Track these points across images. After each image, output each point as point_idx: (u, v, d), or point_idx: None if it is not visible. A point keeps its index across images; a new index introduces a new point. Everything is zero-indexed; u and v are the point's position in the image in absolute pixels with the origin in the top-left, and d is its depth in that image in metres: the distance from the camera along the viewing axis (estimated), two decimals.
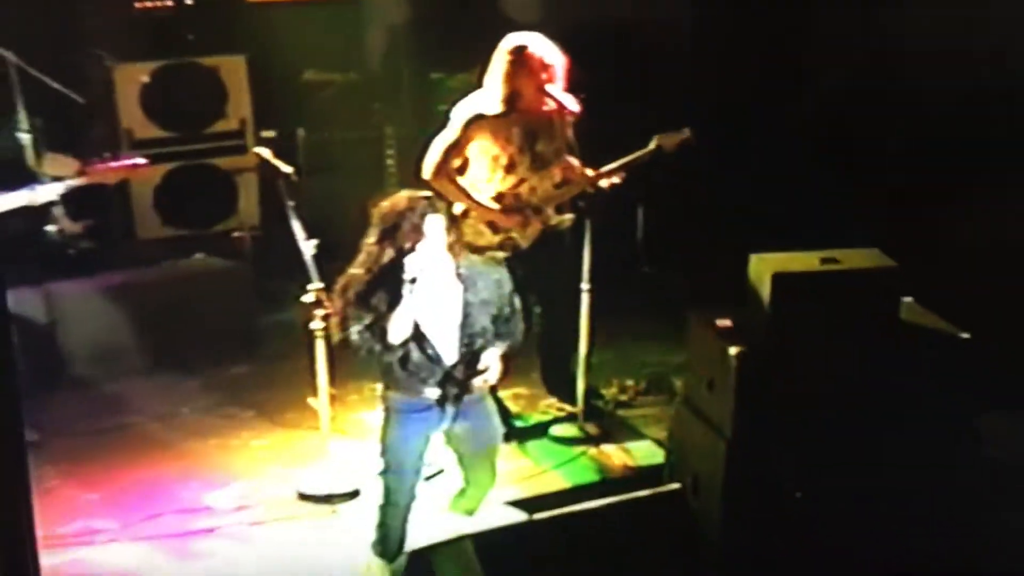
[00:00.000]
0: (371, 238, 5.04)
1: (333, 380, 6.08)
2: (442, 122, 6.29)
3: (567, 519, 5.15)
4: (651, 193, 7.31)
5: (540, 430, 6.71)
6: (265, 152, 6.41)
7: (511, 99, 6.18)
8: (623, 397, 7.10)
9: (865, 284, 5.33)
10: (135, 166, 6.46)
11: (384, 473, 5.16)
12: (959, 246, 7.51)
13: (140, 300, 7.53)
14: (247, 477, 6.28)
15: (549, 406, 6.92)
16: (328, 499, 6.01)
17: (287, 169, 6.17)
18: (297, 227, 5.94)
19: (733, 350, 5.17)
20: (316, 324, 5.90)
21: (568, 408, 6.76)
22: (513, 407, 6.81)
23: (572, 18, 8.44)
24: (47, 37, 7.93)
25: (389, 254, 4.97)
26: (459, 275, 5.07)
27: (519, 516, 5.58)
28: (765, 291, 5.24)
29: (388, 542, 5.24)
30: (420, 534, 5.27)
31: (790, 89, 8.64)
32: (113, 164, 6.36)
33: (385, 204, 5.07)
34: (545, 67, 6.16)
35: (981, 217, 7.76)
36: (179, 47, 8.41)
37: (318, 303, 5.84)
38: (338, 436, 6.23)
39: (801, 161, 8.22)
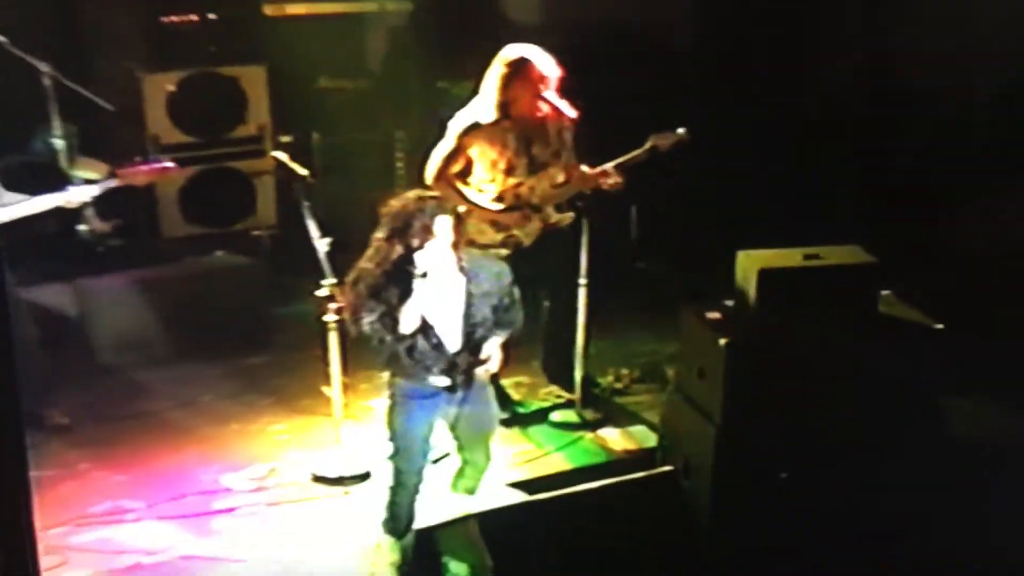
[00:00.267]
0: (382, 234, 5.03)
1: (345, 369, 6.06)
2: (442, 130, 6.28)
3: (566, 499, 5.14)
4: (646, 194, 7.32)
5: (541, 416, 6.68)
6: (282, 156, 6.39)
7: (505, 107, 6.17)
8: (619, 385, 7.07)
9: (846, 279, 5.34)
10: (162, 169, 6.45)
11: (393, 456, 5.17)
12: (934, 244, 7.51)
13: (164, 294, 7.50)
14: (265, 460, 6.25)
15: (549, 393, 6.89)
16: (341, 481, 5.98)
17: (303, 171, 6.16)
18: (312, 226, 5.91)
19: (722, 341, 5.15)
20: (329, 317, 5.88)
21: (567, 395, 6.73)
22: (515, 394, 6.80)
23: (570, 26, 8.42)
24: (80, 49, 7.93)
25: (399, 250, 4.96)
26: (461, 268, 5.05)
27: (521, 496, 5.58)
28: (752, 286, 5.25)
29: (397, 521, 5.24)
30: (428, 513, 5.28)
31: (779, 95, 8.60)
32: (141, 167, 6.36)
33: (395, 203, 5.05)
34: (539, 77, 6.14)
35: (954, 217, 7.75)
36: (203, 58, 8.40)
37: (331, 297, 5.82)
38: (350, 422, 6.20)
39: (786, 164, 8.20)
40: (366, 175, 8.79)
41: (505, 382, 6.53)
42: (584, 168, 6.32)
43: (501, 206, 6.30)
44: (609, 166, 6.33)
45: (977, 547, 5.09)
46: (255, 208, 8.60)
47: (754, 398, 5.12)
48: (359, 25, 9.23)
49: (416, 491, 5.22)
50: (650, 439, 6.23)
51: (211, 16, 8.45)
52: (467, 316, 5.09)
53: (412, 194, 5.13)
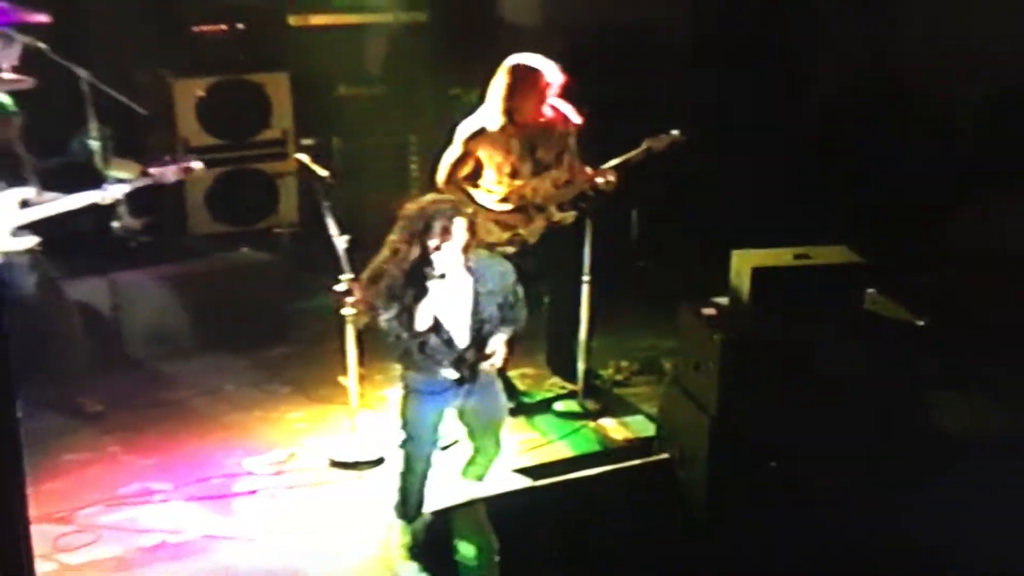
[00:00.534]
0: (398, 236, 5.00)
1: (362, 361, 6.04)
2: (451, 136, 6.26)
3: (568, 485, 5.11)
4: (645, 196, 7.29)
5: (545, 406, 6.66)
6: (304, 158, 6.36)
7: (510, 114, 6.13)
8: (619, 377, 7.04)
9: (834, 277, 5.30)
10: (190, 169, 6.44)
11: (404, 444, 5.15)
12: (919, 244, 7.48)
13: (191, 289, 7.47)
14: (284, 446, 6.23)
15: (553, 384, 6.86)
16: (356, 466, 5.97)
17: (323, 173, 6.12)
18: (331, 224, 5.89)
19: (717, 336, 5.12)
20: (347, 311, 5.86)
21: (570, 386, 6.70)
22: (521, 385, 6.77)
23: (573, 32, 8.39)
24: (116, 56, 7.92)
25: (416, 252, 4.94)
26: (468, 268, 5.03)
27: (526, 482, 5.56)
28: (746, 283, 5.22)
29: (408, 505, 5.23)
30: (437, 497, 5.25)
31: (774, 101, 8.57)
32: (171, 167, 6.34)
33: (413, 207, 5.03)
34: (542, 85, 6.11)
35: (937, 219, 7.74)
36: (230, 65, 8.40)
37: (349, 292, 5.79)
38: (365, 411, 6.18)
39: (779, 168, 8.17)
40: (382, 177, 8.78)
41: (511, 374, 6.51)
42: (585, 169, 6.30)
43: (507, 207, 6.28)
44: (607, 166, 6.32)
45: (961, 537, 5.06)
46: (278, 207, 8.60)
47: (747, 391, 5.09)
48: (377, 35, 9.20)
49: (425, 476, 5.21)
50: (648, 429, 6.19)
51: (239, 26, 8.45)
52: (475, 314, 5.08)
53: (428, 198, 5.13)
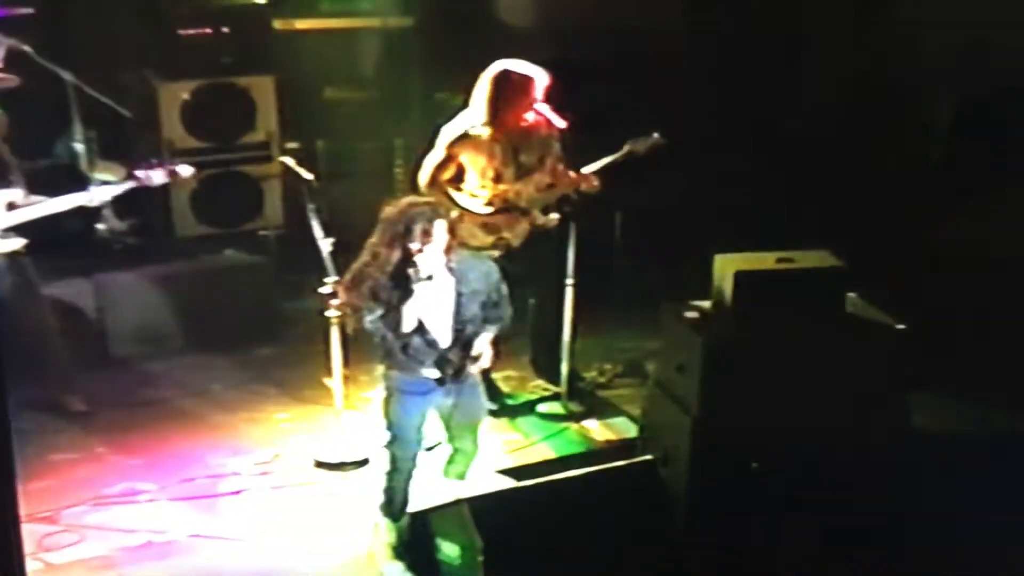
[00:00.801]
0: (378, 239, 5.01)
1: (346, 362, 6.04)
2: (435, 139, 6.26)
3: (552, 486, 5.11)
4: (628, 199, 7.30)
5: (529, 407, 6.67)
6: (289, 161, 6.38)
7: (493, 119, 6.14)
8: (602, 379, 7.06)
9: (816, 281, 5.32)
10: (175, 172, 6.43)
11: (388, 444, 5.17)
12: (899, 249, 7.51)
13: (177, 290, 7.46)
14: (270, 446, 6.24)
15: (537, 386, 6.88)
16: (341, 466, 5.98)
17: (308, 176, 6.14)
18: (316, 226, 5.89)
19: (699, 338, 5.16)
20: (332, 312, 5.87)
21: (553, 388, 6.72)
22: (505, 387, 6.77)
23: (560, 38, 8.40)
24: (101, 59, 7.89)
25: (397, 255, 4.95)
26: (450, 269, 5.05)
27: (510, 483, 5.57)
28: (728, 287, 5.23)
29: (393, 504, 5.23)
30: (422, 498, 5.26)
31: (757, 106, 8.60)
32: (156, 170, 6.34)
33: (392, 210, 5.03)
34: (524, 90, 6.12)
35: (917, 224, 7.77)
36: (216, 68, 8.36)
37: (334, 294, 5.80)
38: (350, 411, 6.18)
39: (761, 173, 8.19)
40: (367, 180, 8.76)
41: (495, 375, 6.51)
42: (569, 172, 6.32)
43: (491, 210, 6.28)
44: (589, 169, 6.34)
45: (944, 537, 5.10)
46: (263, 209, 8.55)
47: (729, 392, 5.11)
48: (362, 40, 9.19)
49: (410, 476, 5.22)
50: (631, 430, 6.21)
51: (224, 30, 8.43)
52: (457, 314, 5.09)
53: (406, 201, 5.12)
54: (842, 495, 5.11)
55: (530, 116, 6.20)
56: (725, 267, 5.29)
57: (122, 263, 7.46)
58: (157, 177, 6.29)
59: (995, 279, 6.88)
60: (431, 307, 5.04)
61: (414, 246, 4.93)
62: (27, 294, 6.31)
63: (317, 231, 5.89)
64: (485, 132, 6.17)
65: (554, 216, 6.39)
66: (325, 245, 5.86)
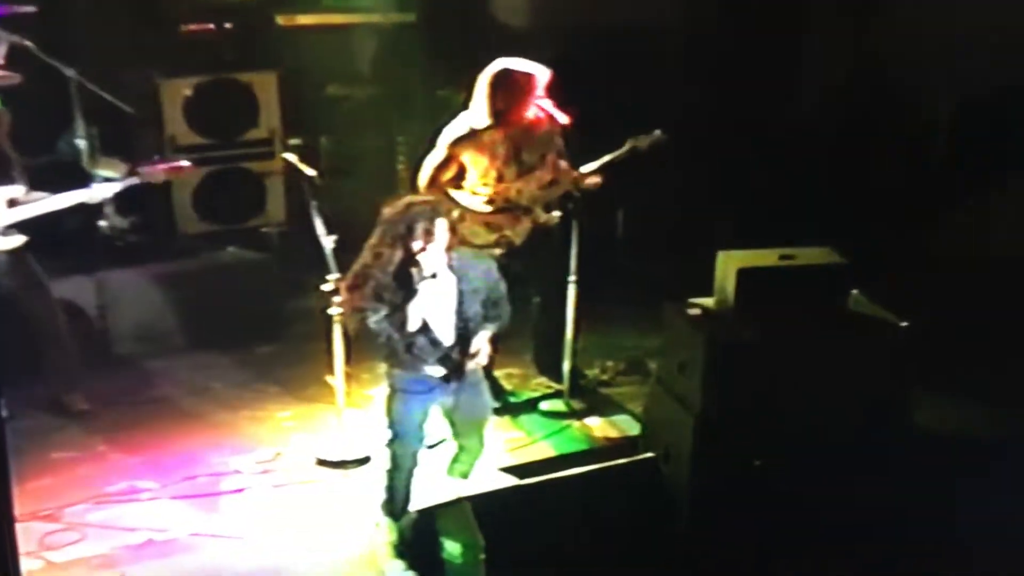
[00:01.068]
0: (379, 240, 5.01)
1: (348, 360, 6.04)
2: (436, 138, 6.25)
3: (554, 483, 5.11)
4: (631, 196, 7.29)
5: (531, 405, 6.67)
6: (291, 157, 6.35)
7: (494, 118, 6.12)
8: (604, 377, 7.06)
9: (818, 278, 5.32)
10: (178, 168, 6.44)
11: (390, 442, 5.17)
12: (901, 246, 7.51)
13: (179, 287, 7.48)
14: (271, 444, 6.24)
15: (539, 384, 6.88)
16: (343, 464, 5.97)
17: (311, 172, 6.12)
18: (319, 224, 5.89)
19: (702, 336, 5.15)
20: (334, 310, 5.86)
21: (555, 386, 6.72)
22: (507, 385, 6.78)
23: (561, 35, 8.40)
24: (103, 55, 7.89)
25: (399, 255, 4.95)
26: (451, 267, 5.05)
27: (512, 480, 5.57)
28: (731, 284, 5.23)
29: (395, 503, 5.24)
30: (424, 496, 5.26)
31: (758, 104, 8.59)
32: (158, 166, 6.34)
33: (391, 211, 5.03)
34: (525, 89, 6.10)
35: (919, 222, 7.76)
36: (218, 65, 8.38)
37: (336, 291, 5.80)
38: (352, 410, 6.18)
39: (764, 170, 8.19)
40: (370, 177, 8.77)
41: (498, 373, 6.53)
42: (570, 169, 6.31)
43: (492, 208, 6.28)
44: (592, 167, 6.33)
45: (946, 537, 5.10)
46: (265, 206, 8.58)
47: (731, 390, 5.11)
48: (365, 36, 9.19)
49: (412, 474, 5.22)
50: (633, 428, 6.21)
51: (227, 26, 8.44)
52: (459, 312, 5.10)
53: (406, 201, 5.11)
54: (843, 493, 5.10)
55: (532, 112, 6.19)
56: (728, 264, 5.29)
57: (124, 260, 7.46)
58: (160, 174, 6.30)
59: (995, 279, 6.87)
60: (434, 306, 5.05)
61: (416, 245, 4.93)
62: (36, 290, 6.31)
63: (319, 228, 5.88)
64: (487, 132, 6.16)
65: (556, 214, 6.38)
66: (328, 242, 5.86)
